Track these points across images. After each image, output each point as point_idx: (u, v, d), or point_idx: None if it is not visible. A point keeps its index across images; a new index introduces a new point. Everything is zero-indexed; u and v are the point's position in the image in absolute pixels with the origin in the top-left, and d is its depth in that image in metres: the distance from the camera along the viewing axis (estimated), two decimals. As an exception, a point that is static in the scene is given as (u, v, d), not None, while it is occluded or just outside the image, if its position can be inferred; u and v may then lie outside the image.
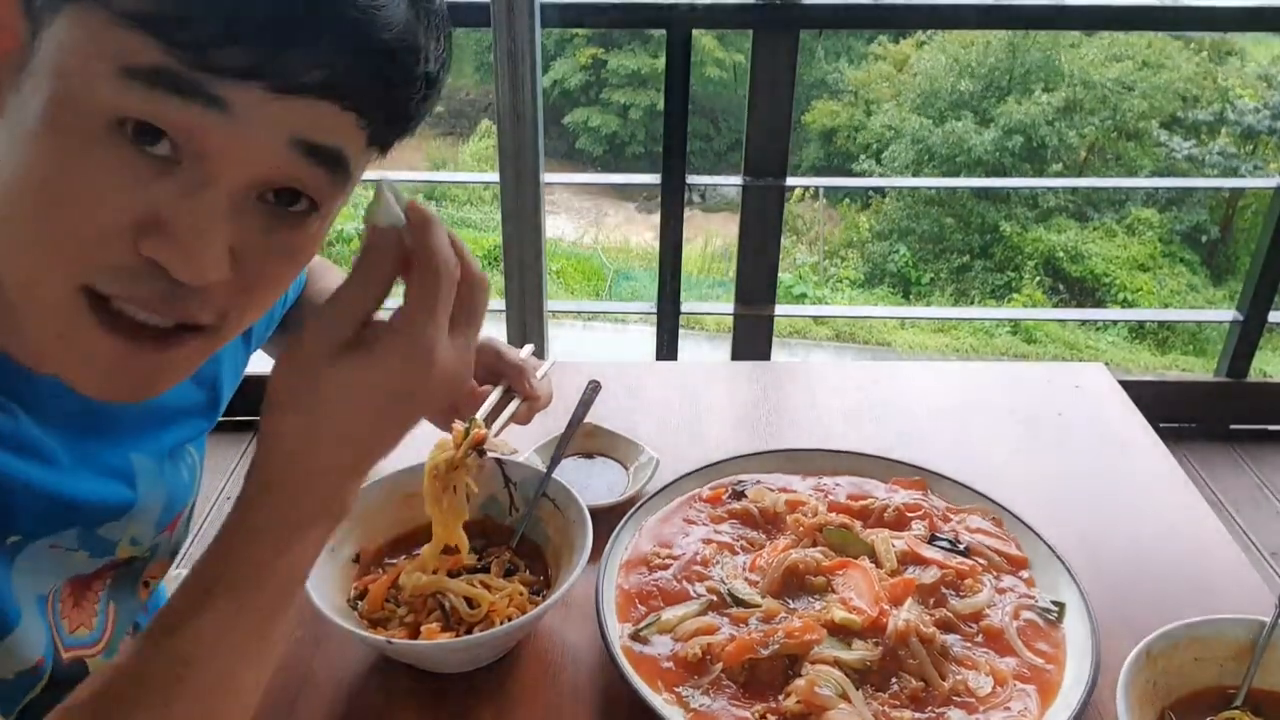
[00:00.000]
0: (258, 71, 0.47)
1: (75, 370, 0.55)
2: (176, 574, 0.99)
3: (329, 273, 1.02)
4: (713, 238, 10.88)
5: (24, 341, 0.57)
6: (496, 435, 0.85)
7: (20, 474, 0.60)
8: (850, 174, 11.68)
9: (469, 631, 0.81)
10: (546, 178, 2.13)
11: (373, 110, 0.52)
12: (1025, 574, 0.91)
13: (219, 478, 2.40)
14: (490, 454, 0.84)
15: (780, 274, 2.52)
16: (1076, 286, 10.59)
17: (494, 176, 2.16)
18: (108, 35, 0.46)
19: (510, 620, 0.80)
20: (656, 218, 2.44)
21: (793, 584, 0.88)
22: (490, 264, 7.61)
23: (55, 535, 0.65)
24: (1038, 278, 10.53)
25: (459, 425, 0.84)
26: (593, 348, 8.39)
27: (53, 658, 0.69)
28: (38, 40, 0.47)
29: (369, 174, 0.59)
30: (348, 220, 7.63)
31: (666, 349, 2.55)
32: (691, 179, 2.37)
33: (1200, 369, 8.78)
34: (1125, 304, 10.17)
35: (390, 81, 0.52)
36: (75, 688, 0.57)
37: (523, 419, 0.95)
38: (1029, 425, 1.18)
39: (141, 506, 0.73)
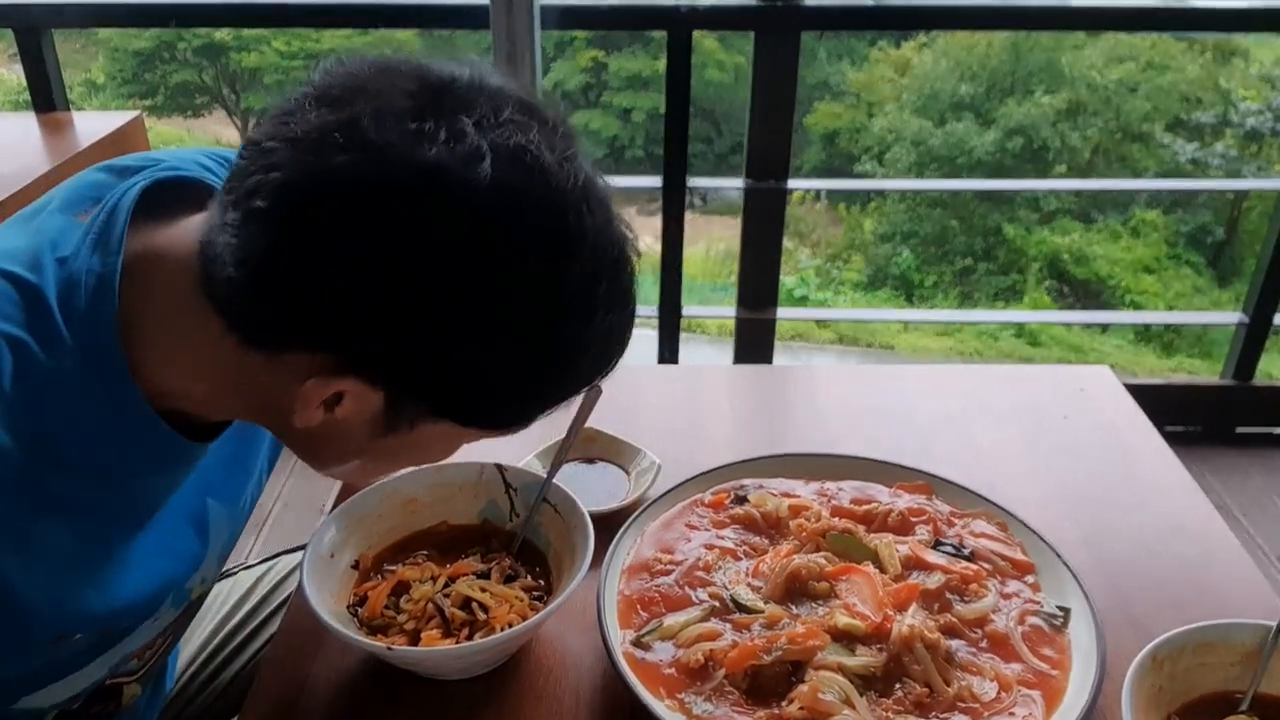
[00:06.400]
0: None
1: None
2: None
3: None
4: (714, 241, 10.87)
5: (207, 412, 0.69)
6: None
7: (132, 570, 0.68)
8: (852, 176, 11.67)
9: (469, 638, 0.80)
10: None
11: None
12: (1030, 579, 0.90)
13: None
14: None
15: (782, 277, 2.52)
16: (1081, 289, 10.56)
17: (495, 180, 2.15)
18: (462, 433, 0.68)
19: (511, 626, 0.80)
20: (658, 221, 2.43)
21: (796, 589, 0.87)
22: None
23: (157, 612, 0.73)
24: (1042, 280, 10.51)
25: None
26: (595, 351, 8.37)
27: (93, 688, 0.75)
28: (413, 428, 0.65)
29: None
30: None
31: (668, 353, 2.55)
32: (693, 182, 2.36)
33: (1206, 372, 8.75)
34: (1130, 306, 10.14)
35: None
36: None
37: None
38: (1033, 429, 1.17)
39: (210, 552, 0.78)
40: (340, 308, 0.57)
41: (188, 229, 0.63)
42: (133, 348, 0.62)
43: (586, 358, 0.64)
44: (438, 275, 0.56)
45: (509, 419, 0.67)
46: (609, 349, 0.65)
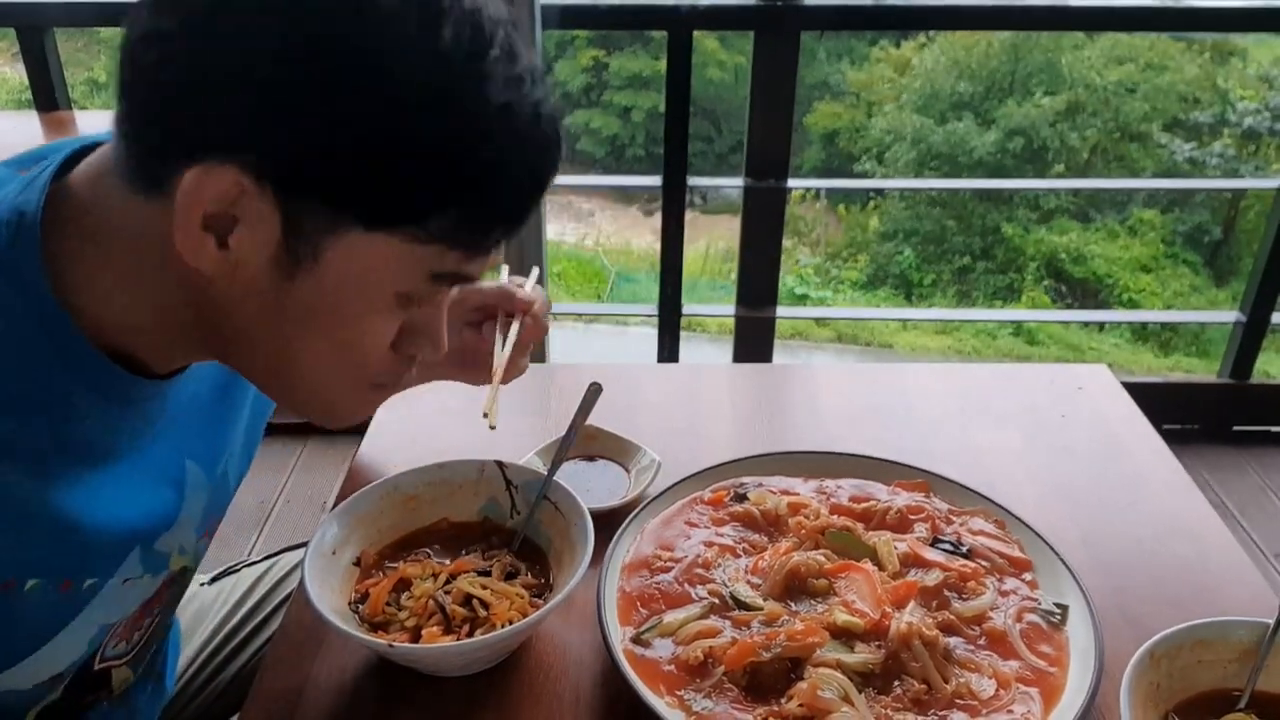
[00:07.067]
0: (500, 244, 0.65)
1: (323, 413, 0.71)
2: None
3: None
4: (714, 240, 10.87)
5: (150, 347, 0.67)
6: (505, 356, 0.92)
7: (91, 512, 0.66)
8: (852, 176, 11.67)
9: (470, 635, 0.80)
10: (548, 180, 2.13)
11: None
12: (1028, 576, 0.91)
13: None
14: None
15: (782, 275, 2.52)
16: (1079, 288, 10.57)
17: (495, 179, 2.16)
18: (418, 252, 0.61)
19: (511, 623, 0.80)
20: (658, 220, 2.44)
21: (795, 587, 0.87)
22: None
23: (123, 566, 0.70)
24: (1040, 279, 10.52)
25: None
26: (594, 350, 8.39)
27: (79, 669, 0.73)
28: (319, 256, 0.59)
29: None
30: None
31: (668, 351, 2.55)
32: (693, 181, 2.36)
33: (1203, 370, 8.76)
34: (1128, 305, 10.15)
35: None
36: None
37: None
38: (1031, 427, 1.17)
39: (185, 514, 0.76)
40: (197, 81, 0.55)
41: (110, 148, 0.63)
42: (60, 278, 0.62)
43: (498, 134, 0.58)
44: (287, 29, 0.54)
45: (422, 210, 0.59)
46: (523, 129, 0.59)
